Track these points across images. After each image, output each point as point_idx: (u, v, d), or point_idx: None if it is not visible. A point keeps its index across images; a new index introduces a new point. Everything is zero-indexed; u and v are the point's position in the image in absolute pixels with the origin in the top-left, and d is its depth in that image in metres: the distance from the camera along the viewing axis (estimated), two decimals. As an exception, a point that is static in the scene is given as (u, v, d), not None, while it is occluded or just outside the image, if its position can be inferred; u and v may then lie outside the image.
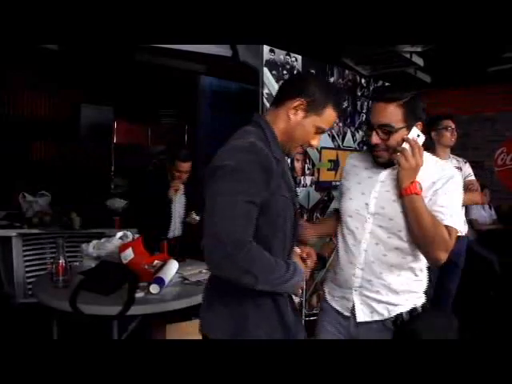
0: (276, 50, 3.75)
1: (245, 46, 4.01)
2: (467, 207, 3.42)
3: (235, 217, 1.19)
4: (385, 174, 1.58)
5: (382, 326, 1.56)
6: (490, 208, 5.34)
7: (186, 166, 3.14)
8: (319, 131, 1.41)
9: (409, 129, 1.49)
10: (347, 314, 1.61)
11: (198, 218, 3.16)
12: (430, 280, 3.13)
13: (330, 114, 1.39)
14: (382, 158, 1.55)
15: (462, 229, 2.85)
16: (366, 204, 1.57)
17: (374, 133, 1.51)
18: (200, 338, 1.36)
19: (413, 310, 1.55)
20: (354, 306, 1.58)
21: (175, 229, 3.29)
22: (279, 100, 1.41)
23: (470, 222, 3.66)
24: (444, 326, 1.52)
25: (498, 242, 4.90)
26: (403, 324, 1.52)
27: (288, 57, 3.89)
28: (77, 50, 4.92)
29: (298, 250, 1.45)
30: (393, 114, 1.47)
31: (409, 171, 1.47)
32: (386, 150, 1.52)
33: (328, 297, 1.69)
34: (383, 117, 1.48)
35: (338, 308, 1.64)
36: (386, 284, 1.55)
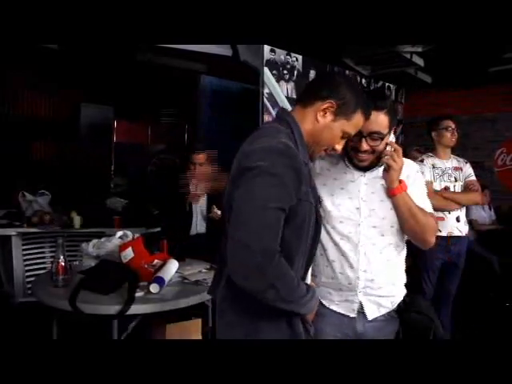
0: (276, 50, 3.76)
1: (245, 45, 4.00)
2: (467, 207, 3.41)
3: (266, 225, 1.14)
4: (367, 177, 1.64)
5: (387, 317, 1.64)
6: (490, 208, 5.34)
7: (200, 157, 3.15)
8: (346, 136, 1.38)
9: (390, 133, 1.58)
10: (353, 315, 1.64)
11: (219, 212, 3.11)
12: (430, 280, 3.17)
13: (358, 119, 1.36)
14: (366, 161, 1.60)
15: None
16: (357, 208, 1.62)
17: (364, 140, 1.54)
18: (200, 337, 1.37)
19: (405, 298, 1.68)
20: (361, 306, 1.63)
21: (197, 225, 3.25)
22: (308, 99, 1.35)
23: (470, 223, 3.65)
24: (429, 308, 1.69)
25: (498, 243, 4.90)
26: (404, 310, 1.64)
27: (288, 57, 3.89)
28: (77, 49, 4.91)
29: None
30: (382, 121, 1.53)
31: (397, 171, 1.56)
32: (373, 153, 1.58)
33: (325, 302, 1.67)
34: (374, 125, 1.52)
35: (341, 311, 1.65)
36: (386, 279, 1.63)
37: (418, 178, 1.69)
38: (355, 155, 1.60)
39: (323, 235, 1.65)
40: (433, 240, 1.63)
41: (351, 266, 1.61)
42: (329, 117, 1.32)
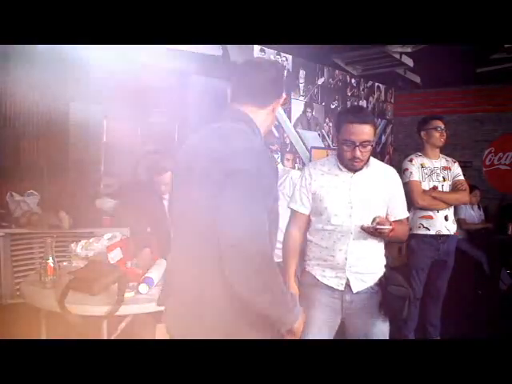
0: (266, 50, 3.76)
1: (235, 45, 4.00)
2: (456, 206, 3.44)
3: (259, 228, 1.17)
4: (354, 178, 2.01)
5: (371, 290, 2.02)
6: (479, 208, 5.38)
7: (166, 177, 2.82)
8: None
9: (374, 139, 1.96)
10: (341, 288, 2.00)
11: None
12: (419, 279, 3.19)
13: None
14: (359, 166, 1.98)
15: None
16: (349, 203, 1.98)
17: (357, 148, 1.91)
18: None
19: (385, 273, 2.06)
20: (348, 282, 1.99)
21: None
22: (265, 101, 1.38)
23: (458, 222, 3.68)
24: (404, 280, 2.06)
25: (486, 242, 4.96)
26: (384, 284, 2.00)
27: (278, 56, 3.90)
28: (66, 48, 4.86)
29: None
30: (370, 132, 1.92)
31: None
32: (363, 160, 1.95)
33: (319, 277, 2.04)
34: (366, 135, 1.91)
35: (332, 285, 2.02)
36: (370, 259, 2.03)
37: (399, 182, 2.11)
38: (351, 164, 1.95)
39: (318, 227, 2.03)
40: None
41: (340, 249, 1.98)
42: (277, 108, 1.41)
